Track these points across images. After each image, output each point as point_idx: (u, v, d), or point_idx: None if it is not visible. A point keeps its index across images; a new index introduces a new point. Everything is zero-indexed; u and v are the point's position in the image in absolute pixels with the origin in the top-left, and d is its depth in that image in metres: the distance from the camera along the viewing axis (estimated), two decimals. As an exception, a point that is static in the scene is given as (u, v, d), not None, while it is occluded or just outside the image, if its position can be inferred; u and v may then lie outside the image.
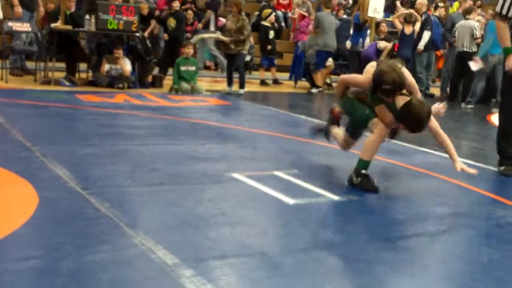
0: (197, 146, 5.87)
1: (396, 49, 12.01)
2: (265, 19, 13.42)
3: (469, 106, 11.93)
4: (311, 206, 4.16)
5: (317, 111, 10.36)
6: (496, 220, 4.22)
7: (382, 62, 4.85)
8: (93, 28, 10.30)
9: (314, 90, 12.43)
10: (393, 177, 5.35)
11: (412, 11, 12.94)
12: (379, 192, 4.62)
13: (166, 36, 12.06)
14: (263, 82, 13.15)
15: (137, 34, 10.55)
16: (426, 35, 12.37)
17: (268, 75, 13.41)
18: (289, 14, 17.30)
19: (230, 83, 10.99)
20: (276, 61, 13.74)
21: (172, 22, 11.88)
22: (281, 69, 14.65)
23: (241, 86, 10.96)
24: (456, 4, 18.33)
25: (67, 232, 3.30)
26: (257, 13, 16.11)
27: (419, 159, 6.08)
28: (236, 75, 10.99)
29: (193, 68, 10.55)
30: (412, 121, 4.49)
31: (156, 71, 11.49)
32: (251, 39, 15.18)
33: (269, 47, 13.12)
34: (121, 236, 3.32)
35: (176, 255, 3.07)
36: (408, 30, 12.09)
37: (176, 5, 12.20)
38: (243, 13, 11.39)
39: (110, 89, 9.83)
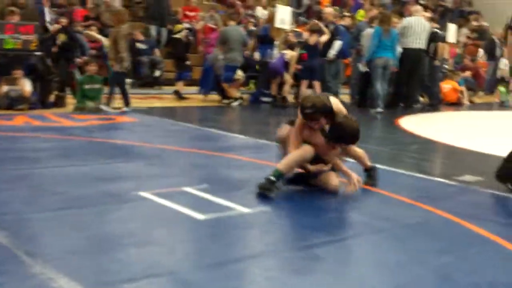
0: (102, 166, 5.69)
1: (305, 57, 12.21)
2: (177, 33, 13.30)
3: (378, 110, 12.23)
4: (222, 221, 4.09)
5: (228, 123, 10.35)
6: (401, 222, 4.28)
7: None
8: (-11, 49, 9.88)
9: (235, 103, 12.40)
10: (303, 186, 5.34)
11: (315, 21, 13.19)
12: (273, 199, 4.65)
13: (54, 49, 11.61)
14: (176, 93, 13.03)
15: (37, 53, 10.19)
16: (337, 45, 12.62)
17: (185, 89, 13.36)
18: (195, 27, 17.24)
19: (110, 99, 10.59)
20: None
21: (62, 38, 11.52)
22: (190, 83, 14.58)
23: (126, 103, 10.48)
24: (360, 12, 18.89)
25: (-41, 266, 3.08)
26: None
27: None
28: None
29: (98, 86, 10.28)
30: (348, 134, 4.81)
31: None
32: (158, 53, 15.09)
33: (189, 62, 13.04)
34: (19, 266, 3.12)
35: (80, 282, 2.92)
36: (312, 40, 12.24)
37: (64, 21, 11.92)
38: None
39: (9, 111, 9.41)
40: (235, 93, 12.62)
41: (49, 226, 3.81)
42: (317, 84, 12.44)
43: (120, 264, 3.20)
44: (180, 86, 13.21)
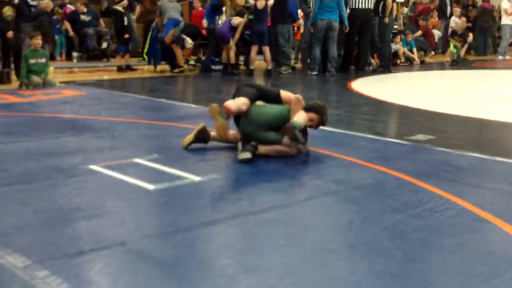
0: (50, 141, 5.56)
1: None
2: (117, 3, 12.93)
3: (314, 73, 12.32)
4: (172, 190, 4.04)
5: (179, 93, 10.24)
6: (355, 183, 4.30)
7: None
8: None
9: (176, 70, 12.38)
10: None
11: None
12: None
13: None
14: (120, 68, 12.74)
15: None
16: None
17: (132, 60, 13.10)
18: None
19: None
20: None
21: (8, 11, 10.68)
22: (138, 54, 14.36)
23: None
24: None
25: None
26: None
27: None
28: None
29: (43, 60, 9.99)
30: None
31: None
32: (103, 24, 14.74)
33: (127, 35, 12.70)
34: (-35, 245, 3.03)
35: (28, 257, 2.85)
36: (260, 4, 12.09)
37: None
38: None
39: (-48, 90, 9.13)
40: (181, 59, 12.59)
41: (-5, 203, 3.70)
42: (266, 49, 12.39)
43: (69, 238, 3.13)
44: (123, 59, 12.86)
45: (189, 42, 12.48)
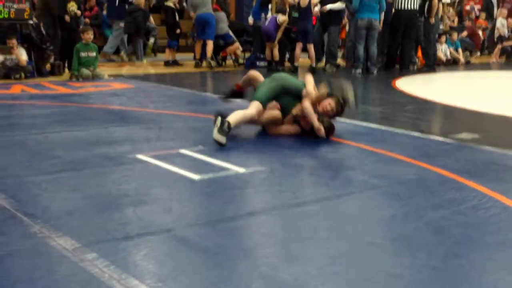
0: (99, 131, 5.70)
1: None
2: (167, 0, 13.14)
3: (358, 71, 12.25)
4: (217, 181, 4.11)
5: (224, 88, 10.31)
6: (398, 179, 4.31)
7: None
8: (-18, 18, 9.80)
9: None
10: (301, 145, 5.35)
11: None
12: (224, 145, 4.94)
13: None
14: (168, 63, 12.90)
15: (30, 22, 10.11)
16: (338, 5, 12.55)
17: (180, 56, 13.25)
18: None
19: None
20: (180, 42, 13.57)
21: (73, 6, 11.18)
22: (185, 49, 14.51)
23: None
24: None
25: (-42, 227, 3.12)
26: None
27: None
28: None
29: (94, 54, 10.23)
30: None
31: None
32: (152, 20, 14.96)
33: (179, 30, 12.89)
34: (19, 227, 3.16)
35: (77, 240, 2.96)
36: (303, 2, 12.06)
37: None
38: None
39: (6, 81, 9.40)
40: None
41: (47, 189, 3.83)
42: (310, 47, 12.38)
43: (117, 223, 3.23)
44: (170, 54, 13.03)
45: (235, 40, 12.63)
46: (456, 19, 19.42)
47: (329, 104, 5.46)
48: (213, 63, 12.61)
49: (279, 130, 5.55)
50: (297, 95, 5.55)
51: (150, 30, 15.18)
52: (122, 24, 13.05)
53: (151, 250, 2.89)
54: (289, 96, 5.60)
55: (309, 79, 5.70)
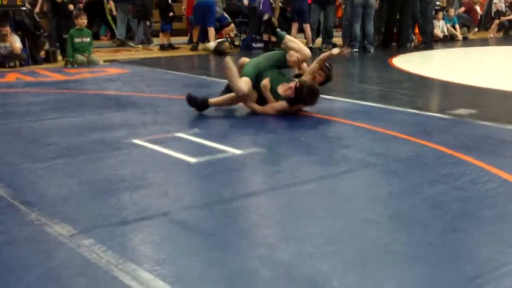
0: (94, 117, 5.68)
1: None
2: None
3: (355, 50, 12.13)
4: (213, 163, 4.10)
5: (220, 70, 10.28)
6: (395, 156, 4.30)
7: None
8: (-26, 6, 9.72)
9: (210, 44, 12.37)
10: (298, 125, 5.33)
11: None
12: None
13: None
14: (163, 47, 12.83)
15: (23, 8, 10.04)
16: None
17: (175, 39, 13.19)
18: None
19: None
20: (174, 25, 13.47)
21: None
22: (179, 33, 14.41)
23: None
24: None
25: (-46, 217, 3.11)
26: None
27: (322, 106, 6.07)
28: None
29: (88, 40, 10.15)
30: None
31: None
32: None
33: (172, 13, 12.80)
34: (16, 215, 3.16)
35: (74, 226, 2.95)
36: None
37: None
38: None
39: (1, 69, 9.35)
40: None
41: (43, 176, 3.82)
42: (307, 27, 12.32)
43: (113, 208, 3.22)
44: (165, 38, 12.90)
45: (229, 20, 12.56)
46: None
47: (319, 75, 5.74)
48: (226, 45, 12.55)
49: (266, 110, 5.55)
50: (283, 65, 5.84)
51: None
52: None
53: (148, 234, 2.88)
54: (275, 69, 5.76)
55: (292, 39, 6.02)
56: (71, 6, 11.06)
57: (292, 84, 5.38)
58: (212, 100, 5.63)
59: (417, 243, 2.79)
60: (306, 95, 5.37)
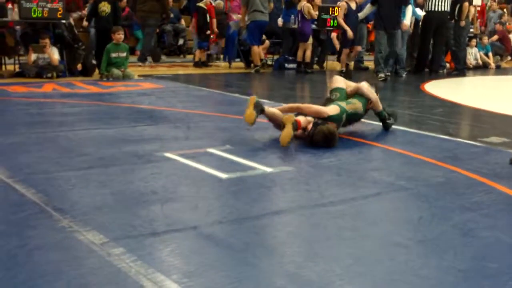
0: (127, 129, 5.76)
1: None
2: (200, 0, 13.15)
3: (387, 73, 11.80)
4: (244, 179, 4.13)
5: (252, 89, 10.36)
6: (425, 181, 4.28)
7: None
8: (16, 17, 9.95)
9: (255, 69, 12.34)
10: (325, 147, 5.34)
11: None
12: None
13: None
14: (198, 64, 12.96)
15: (63, 21, 10.25)
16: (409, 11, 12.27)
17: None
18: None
19: None
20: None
21: (105, 7, 10.99)
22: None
23: None
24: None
25: (-11, 220, 3.18)
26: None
27: (354, 128, 6.07)
28: None
29: (124, 54, 10.31)
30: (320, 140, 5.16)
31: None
32: (183, 22, 15.08)
33: (209, 31, 12.95)
34: (48, 221, 3.22)
35: (105, 235, 3.00)
36: (354, 5, 11.87)
37: None
38: None
39: (38, 80, 9.54)
40: (258, 58, 12.50)
41: (76, 184, 3.89)
42: (357, 49, 12.30)
43: (144, 219, 3.26)
44: (200, 55, 13.07)
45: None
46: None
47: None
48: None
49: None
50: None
51: (179, 31, 15.29)
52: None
53: (177, 247, 2.91)
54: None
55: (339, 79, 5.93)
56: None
57: (310, 126, 5.27)
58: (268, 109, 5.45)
59: (447, 269, 2.77)
60: (318, 140, 5.15)
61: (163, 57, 14.06)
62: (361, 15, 12.01)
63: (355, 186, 4.14)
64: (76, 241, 2.94)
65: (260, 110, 5.29)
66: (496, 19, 18.25)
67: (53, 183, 3.91)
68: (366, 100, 5.77)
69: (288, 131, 5.00)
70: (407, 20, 11.83)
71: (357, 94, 5.79)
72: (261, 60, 12.73)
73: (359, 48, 12.22)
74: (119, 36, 10.23)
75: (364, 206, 3.72)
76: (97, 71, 10.58)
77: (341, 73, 11.28)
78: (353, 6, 11.81)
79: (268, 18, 12.35)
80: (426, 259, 2.89)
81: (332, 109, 5.34)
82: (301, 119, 5.28)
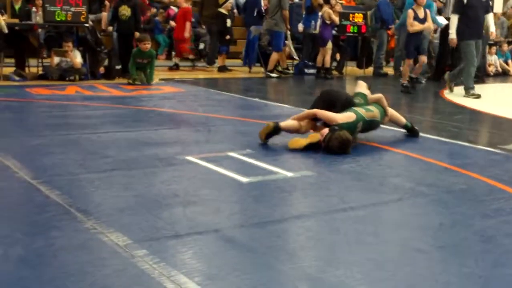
0: (149, 132, 5.82)
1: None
2: (221, 5, 13.21)
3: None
4: (265, 183, 4.16)
5: (272, 94, 10.41)
6: (446, 187, 4.28)
7: None
8: (40, 21, 10.08)
9: (273, 75, 12.35)
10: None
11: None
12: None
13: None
14: (221, 69, 13.02)
15: (87, 25, 10.36)
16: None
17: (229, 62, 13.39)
18: (240, 0, 17.16)
19: None
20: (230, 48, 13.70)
21: (125, 10, 10.89)
22: (234, 55, 14.61)
23: None
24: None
25: (15, 220, 3.26)
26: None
27: (374, 134, 6.07)
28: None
29: (147, 61, 10.33)
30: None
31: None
32: (203, 26, 15.13)
33: (228, 36, 13.01)
34: (72, 222, 3.27)
35: (129, 237, 3.04)
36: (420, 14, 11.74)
37: None
38: None
39: (61, 82, 9.65)
40: (273, 64, 12.56)
41: (100, 186, 3.94)
42: (422, 60, 12.09)
43: (166, 222, 3.31)
44: (221, 60, 13.18)
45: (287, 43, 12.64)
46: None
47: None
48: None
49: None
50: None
51: (201, 36, 15.36)
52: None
53: (199, 249, 2.95)
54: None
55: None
56: None
57: (324, 131, 5.27)
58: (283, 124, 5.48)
59: (467, 276, 2.78)
60: (333, 146, 5.11)
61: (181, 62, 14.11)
62: (451, 27, 10.71)
63: (375, 192, 4.15)
64: (100, 242, 2.99)
65: (275, 133, 5.40)
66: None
67: (77, 184, 3.97)
68: (384, 110, 5.77)
69: (301, 143, 5.19)
70: (493, 28, 11.10)
71: (376, 102, 5.79)
72: (277, 66, 12.74)
73: (424, 59, 10.89)
74: (145, 46, 10.09)
75: (384, 211, 3.74)
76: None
77: (402, 87, 10.61)
78: (421, 15, 10.47)
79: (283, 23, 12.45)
80: (447, 265, 2.90)
81: (344, 117, 5.32)
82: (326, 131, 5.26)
